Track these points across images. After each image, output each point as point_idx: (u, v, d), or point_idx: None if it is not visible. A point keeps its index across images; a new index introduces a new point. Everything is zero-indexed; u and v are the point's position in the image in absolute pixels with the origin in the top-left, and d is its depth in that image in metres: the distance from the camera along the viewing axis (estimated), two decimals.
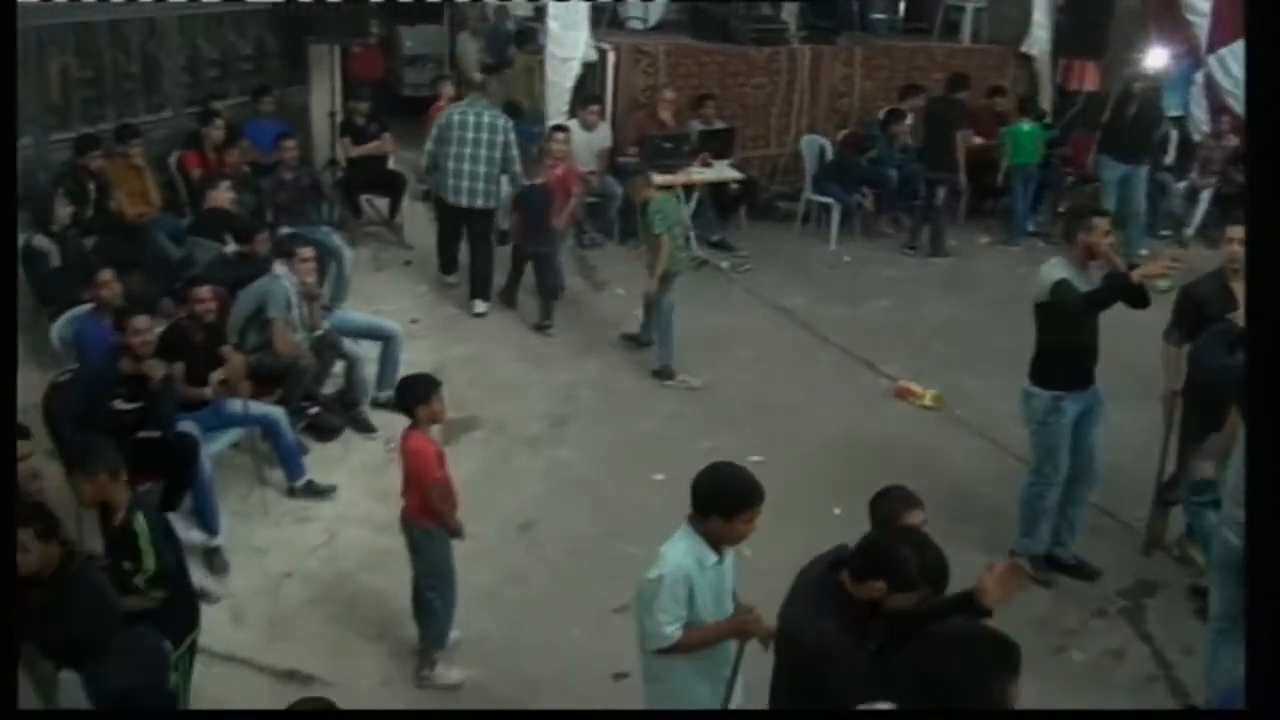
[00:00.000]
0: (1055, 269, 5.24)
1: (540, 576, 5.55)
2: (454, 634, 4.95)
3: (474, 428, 6.80)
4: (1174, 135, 11.23)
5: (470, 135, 8.04)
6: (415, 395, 4.58)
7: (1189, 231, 10.81)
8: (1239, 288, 5.11)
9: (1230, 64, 11.36)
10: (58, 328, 6.01)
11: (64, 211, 6.63)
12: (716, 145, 9.68)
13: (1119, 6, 11.84)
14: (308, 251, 6.39)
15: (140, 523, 4.00)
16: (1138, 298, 5.03)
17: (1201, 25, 11.56)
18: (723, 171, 9.65)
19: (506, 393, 7.29)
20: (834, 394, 7.31)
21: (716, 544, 3.42)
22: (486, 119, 8.12)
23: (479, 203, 8.13)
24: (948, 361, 7.85)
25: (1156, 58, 10.78)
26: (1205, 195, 10.79)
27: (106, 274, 5.90)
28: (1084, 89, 12.05)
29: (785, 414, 6.99)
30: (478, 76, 10.36)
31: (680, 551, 3.40)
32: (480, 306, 8.32)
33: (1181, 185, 10.93)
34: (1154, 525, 5.76)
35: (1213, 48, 11.54)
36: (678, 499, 3.52)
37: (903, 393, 7.27)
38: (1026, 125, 10.45)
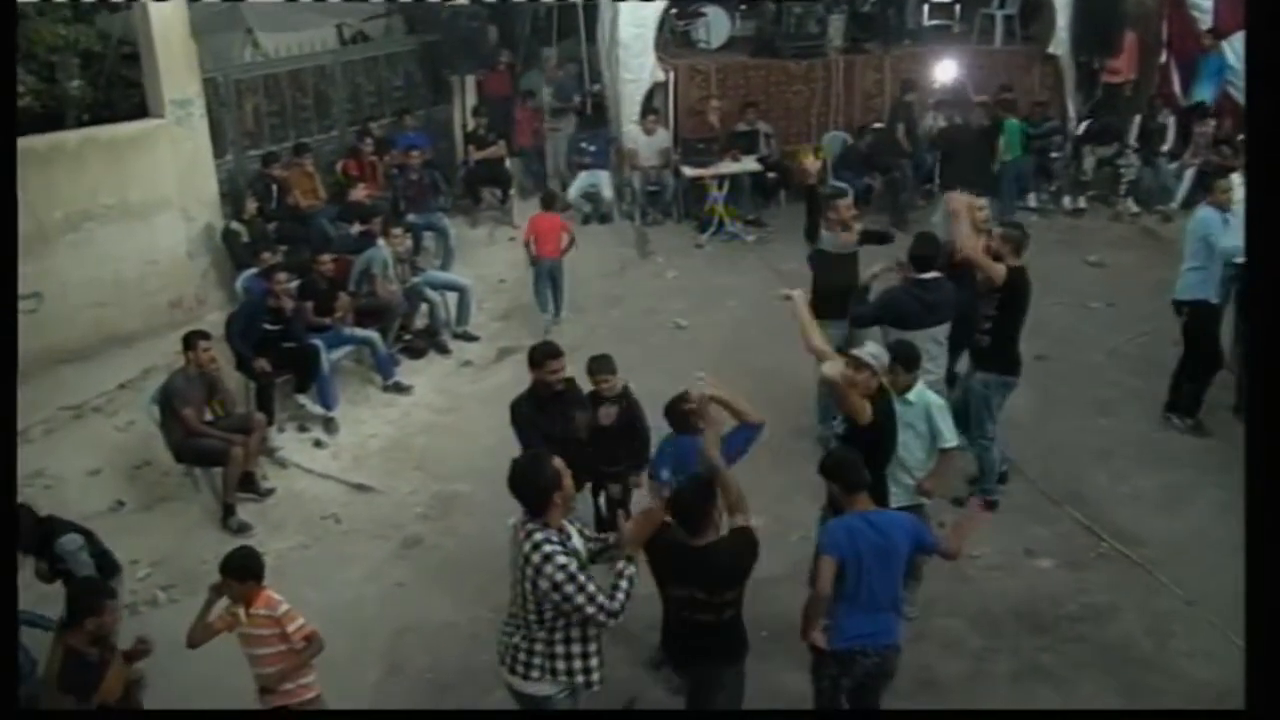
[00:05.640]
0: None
1: None
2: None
3: (518, 353, 9.69)
4: (1171, 122, 12.86)
5: None
6: None
7: (1174, 205, 12.49)
8: None
9: (1228, 53, 12.91)
10: (239, 281, 9.45)
11: (251, 206, 9.96)
12: (744, 144, 12.26)
13: (1137, 4, 13.53)
14: (398, 231, 9.56)
15: None
16: None
17: (1204, 19, 13.13)
18: (747, 165, 12.21)
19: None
20: (778, 334, 9.60)
21: None
22: None
23: None
24: None
25: (941, 93, 12.14)
26: (1189, 174, 12.46)
27: (267, 255, 9.18)
28: (1114, 81, 13.77)
29: (738, 348, 9.50)
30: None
31: None
32: None
33: (1173, 165, 12.64)
34: None
35: (1220, 37, 13.10)
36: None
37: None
38: (1013, 122, 12.35)
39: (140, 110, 9.58)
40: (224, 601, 5.04)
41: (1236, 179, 7.47)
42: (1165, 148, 12.75)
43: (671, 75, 12.63)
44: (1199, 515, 7.01)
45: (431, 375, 9.49)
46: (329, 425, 8.56)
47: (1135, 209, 12.57)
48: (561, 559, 4.21)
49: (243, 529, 7.29)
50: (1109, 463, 7.64)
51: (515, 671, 4.52)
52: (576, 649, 4.46)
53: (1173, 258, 11.21)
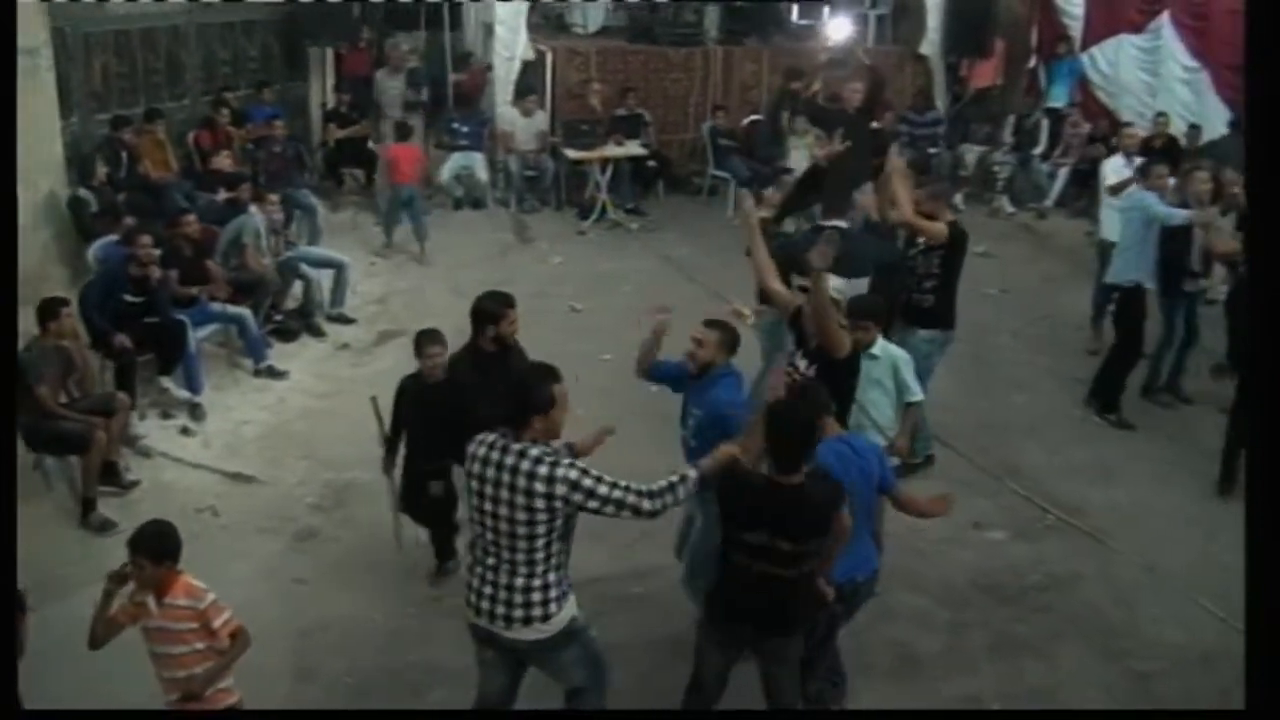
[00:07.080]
0: None
1: None
2: None
3: (399, 337, 9.01)
4: (1045, 123, 13.12)
5: None
6: None
7: (1048, 203, 12.74)
8: None
9: (1099, 60, 13.33)
10: (92, 250, 8.36)
11: (101, 172, 8.91)
12: (626, 128, 11.86)
13: (1007, 11, 13.80)
14: (274, 198, 8.69)
15: None
16: None
17: (1075, 27, 13.51)
18: (631, 149, 11.81)
19: (430, 316, 9.48)
20: (683, 316, 9.31)
21: None
22: None
23: None
24: None
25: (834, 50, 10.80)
26: (1063, 173, 12.73)
27: (129, 220, 8.23)
28: (979, 85, 14.00)
29: (641, 331, 9.02)
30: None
31: None
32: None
33: (1045, 165, 12.89)
34: None
35: (1085, 45, 13.50)
36: None
37: (735, 313, 9.29)
38: None
39: None
40: (126, 590, 4.21)
41: (1203, 175, 7.52)
42: (1038, 149, 13.00)
43: (549, 56, 12.14)
44: (1135, 485, 6.94)
45: (306, 359, 8.66)
46: (195, 411, 7.64)
47: (1011, 208, 12.73)
48: (567, 458, 3.96)
49: (106, 526, 6.31)
50: (1037, 437, 7.53)
51: (531, 620, 3.98)
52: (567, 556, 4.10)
53: (1052, 252, 11.58)
